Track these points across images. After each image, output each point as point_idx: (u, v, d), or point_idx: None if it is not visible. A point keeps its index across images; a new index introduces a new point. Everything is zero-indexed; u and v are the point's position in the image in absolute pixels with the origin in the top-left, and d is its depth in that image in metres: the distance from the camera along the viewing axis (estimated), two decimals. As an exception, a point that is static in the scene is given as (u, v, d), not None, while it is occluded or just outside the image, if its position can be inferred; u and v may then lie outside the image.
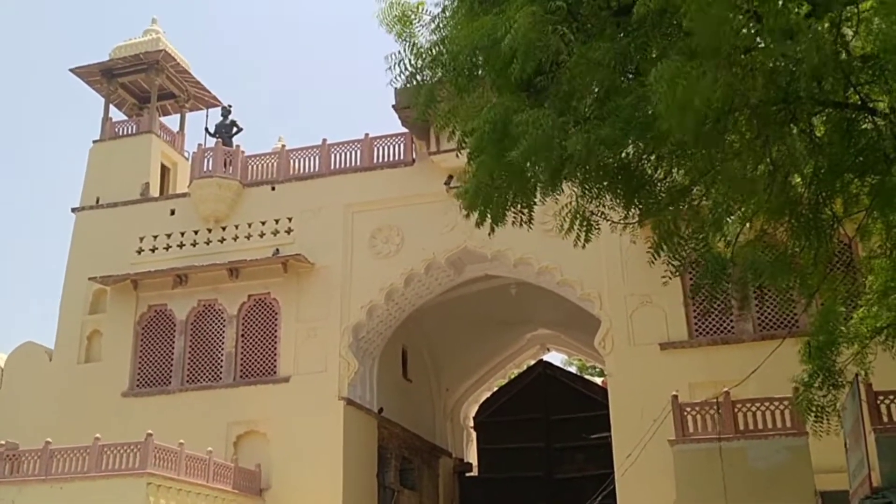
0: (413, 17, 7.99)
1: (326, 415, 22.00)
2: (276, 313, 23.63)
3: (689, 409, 16.70)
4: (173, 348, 23.92)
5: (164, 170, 27.45)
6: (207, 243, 24.62)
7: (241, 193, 24.81)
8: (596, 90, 7.14)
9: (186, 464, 19.06)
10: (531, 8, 6.68)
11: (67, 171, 59.16)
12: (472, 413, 33.13)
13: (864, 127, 7.52)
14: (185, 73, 28.06)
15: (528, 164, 7.20)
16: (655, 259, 8.47)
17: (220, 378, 23.37)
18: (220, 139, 25.75)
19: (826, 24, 6.75)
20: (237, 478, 20.85)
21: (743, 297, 9.76)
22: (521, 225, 8.22)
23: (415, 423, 27.48)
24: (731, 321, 20.42)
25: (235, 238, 24.50)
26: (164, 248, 24.89)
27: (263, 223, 24.37)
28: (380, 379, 24.55)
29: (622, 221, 8.58)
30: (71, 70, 27.32)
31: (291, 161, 25.23)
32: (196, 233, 24.82)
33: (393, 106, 21.98)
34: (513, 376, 33.53)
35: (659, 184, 8.17)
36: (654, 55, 6.77)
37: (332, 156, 24.87)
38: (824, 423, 11.00)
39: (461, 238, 22.09)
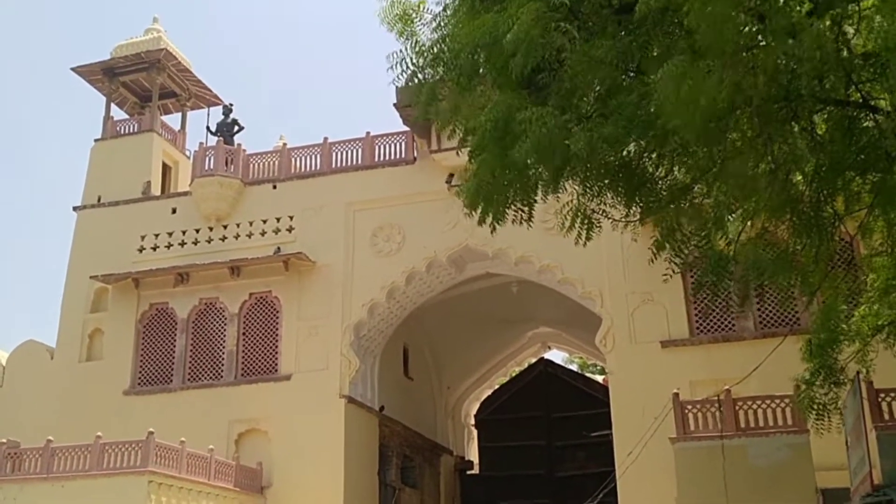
0: (414, 15, 8.00)
1: (328, 413, 22.02)
2: (277, 311, 23.65)
3: (690, 407, 16.71)
4: (175, 346, 23.95)
5: (166, 168, 27.47)
6: (209, 242, 24.64)
7: (243, 192, 24.83)
8: (598, 88, 7.15)
9: (188, 462, 19.07)
10: (534, 4, 6.68)
11: (69, 169, 59.25)
12: (474, 411, 33.15)
13: (865, 125, 7.52)
14: (186, 72, 28.07)
15: (531, 163, 7.20)
16: (657, 257, 8.47)
17: (222, 376, 23.40)
18: (221, 138, 25.76)
19: (827, 22, 6.76)
20: (238, 476, 20.87)
21: (744, 295, 9.75)
22: (521, 223, 8.23)
23: (416, 421, 27.50)
24: (733, 319, 20.42)
25: (237, 236, 24.52)
26: (166, 247, 24.91)
27: (265, 221, 24.39)
28: (381, 377, 24.57)
29: (623, 219, 8.59)
30: (72, 69, 27.34)
31: (293, 159, 25.24)
32: (197, 231, 24.84)
33: (394, 104, 21.99)
34: (514, 374, 33.53)
35: (660, 182, 8.18)
36: (655, 53, 6.77)
37: (334, 154, 24.88)
38: (825, 421, 11.01)
39: (462, 236, 22.11)
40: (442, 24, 7.84)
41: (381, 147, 24.55)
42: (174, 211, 25.31)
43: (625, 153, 7.67)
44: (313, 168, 24.96)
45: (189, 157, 27.52)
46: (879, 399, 13.16)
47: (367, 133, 24.70)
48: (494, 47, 7.06)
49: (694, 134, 6.56)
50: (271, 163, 25.31)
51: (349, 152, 24.80)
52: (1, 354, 25.30)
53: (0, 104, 59.73)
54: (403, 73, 7.91)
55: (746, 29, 6.43)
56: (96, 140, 27.16)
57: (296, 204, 24.27)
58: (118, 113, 28.33)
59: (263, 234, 24.28)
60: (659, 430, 17.11)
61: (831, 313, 10.39)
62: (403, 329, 25.82)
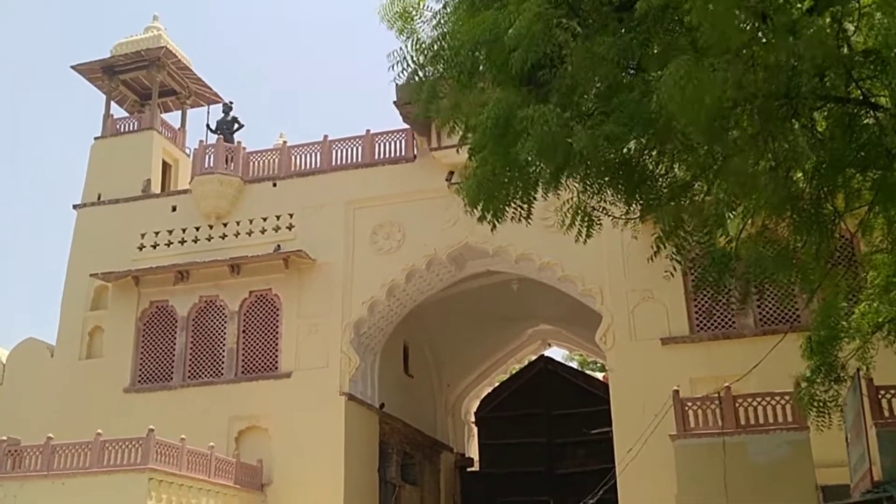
0: (414, 12, 7.99)
1: (328, 410, 22.04)
2: (277, 309, 23.66)
3: (690, 404, 16.73)
4: (175, 344, 23.96)
5: (166, 166, 27.47)
6: (209, 239, 24.65)
7: (243, 190, 24.83)
8: (598, 85, 7.15)
9: (188, 459, 19.09)
10: (536, 0, 6.68)
11: (69, 167, 59.13)
12: (474, 408, 33.18)
13: (865, 122, 7.52)
14: (186, 70, 28.06)
15: (531, 160, 7.19)
16: (658, 254, 8.47)
17: (222, 374, 23.41)
18: (221, 136, 25.76)
19: (828, 19, 6.76)
20: (239, 473, 20.89)
21: (745, 292, 9.76)
22: (521, 220, 8.23)
23: (416, 419, 27.52)
24: (733, 316, 20.42)
25: (237, 234, 24.53)
26: (166, 245, 24.91)
27: (265, 219, 24.39)
28: (381, 374, 24.59)
29: (623, 217, 8.58)
30: (72, 67, 27.33)
31: (293, 157, 25.24)
32: (197, 229, 24.84)
33: (394, 102, 22.00)
34: (514, 372, 33.57)
35: (660, 179, 8.17)
36: (655, 51, 6.77)
37: (334, 152, 24.89)
38: (826, 418, 11.02)
39: (462, 234, 22.12)
40: (442, 21, 7.83)
41: (381, 145, 24.55)
42: (174, 209, 25.31)
43: (625, 150, 7.67)
44: (313, 166, 24.96)
45: (189, 155, 27.53)
46: (879, 396, 13.18)
47: (367, 131, 24.70)
48: (495, 44, 7.06)
49: (699, 132, 6.56)
50: (271, 161, 25.32)
51: (349, 150, 24.80)
52: (1, 352, 25.30)
53: (0, 102, 59.74)
54: (404, 71, 7.91)
55: (748, 27, 6.42)
56: (96, 138, 27.15)
57: (296, 202, 24.27)
58: (118, 111, 28.37)
59: (263, 231, 24.28)
60: (659, 428, 17.13)
61: (831, 310, 10.40)
62: (403, 327, 25.84)
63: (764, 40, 6.55)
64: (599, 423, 22.82)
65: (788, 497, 15.09)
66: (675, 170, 8.13)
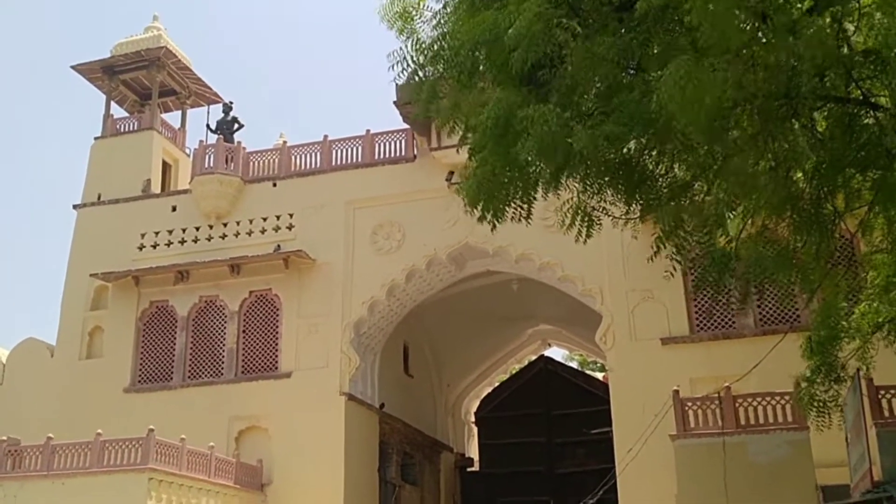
0: (414, 13, 7.99)
1: (328, 410, 22.04)
2: (277, 309, 23.66)
3: (690, 404, 16.73)
4: (175, 344, 23.96)
5: (166, 166, 27.48)
6: (209, 239, 24.65)
7: (243, 190, 24.83)
8: (598, 85, 7.14)
9: (188, 459, 19.09)
10: (536, 0, 6.68)
11: (69, 167, 59.17)
12: (474, 408, 33.18)
13: (865, 122, 7.52)
14: (186, 70, 28.06)
15: (532, 160, 7.19)
16: (659, 253, 8.46)
17: (222, 374, 23.41)
18: (221, 136, 25.76)
19: (828, 19, 6.76)
20: (239, 473, 20.89)
21: (745, 292, 9.75)
22: (520, 220, 8.22)
23: (416, 419, 27.52)
24: (733, 316, 20.42)
25: (237, 234, 24.53)
26: (166, 245, 24.91)
27: (265, 219, 24.39)
28: (381, 374, 24.59)
29: (623, 217, 8.58)
30: (72, 67, 27.32)
31: (293, 157, 25.24)
32: (197, 229, 24.84)
33: (394, 102, 22.01)
34: (514, 372, 33.57)
35: (660, 179, 8.17)
36: (655, 51, 6.77)
37: (334, 152, 24.89)
38: (826, 418, 11.02)
39: (462, 234, 22.12)
40: (442, 21, 7.83)
41: (381, 145, 24.55)
42: (174, 209, 25.31)
43: (625, 150, 7.67)
44: (313, 166, 24.95)
45: (189, 155, 27.53)
46: (879, 396, 13.18)
47: (367, 131, 24.70)
48: (495, 44, 7.06)
49: (699, 132, 6.56)
50: (271, 161, 25.32)
51: (349, 150, 24.80)
52: (1, 352, 25.30)
53: (0, 102, 59.74)
54: (404, 71, 7.90)
55: (748, 26, 6.42)
56: (96, 138, 27.15)
57: (296, 202, 24.27)
58: (118, 111, 28.37)
59: (263, 231, 24.28)
60: (659, 428, 17.13)
61: (831, 311, 10.40)
62: (403, 327, 25.84)
63: (764, 40, 6.55)
64: (599, 423, 22.82)
65: (788, 497, 15.08)
66: (675, 170, 8.13)
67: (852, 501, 13.88)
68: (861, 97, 7.37)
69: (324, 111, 65.67)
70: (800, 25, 6.30)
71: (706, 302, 20.10)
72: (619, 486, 19.58)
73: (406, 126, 23.52)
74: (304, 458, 21.63)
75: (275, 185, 24.78)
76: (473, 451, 32.77)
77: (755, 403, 16.24)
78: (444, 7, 7.86)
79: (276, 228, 24.20)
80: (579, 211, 8.30)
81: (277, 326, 23.49)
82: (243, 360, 23.48)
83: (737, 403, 16.28)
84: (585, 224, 8.38)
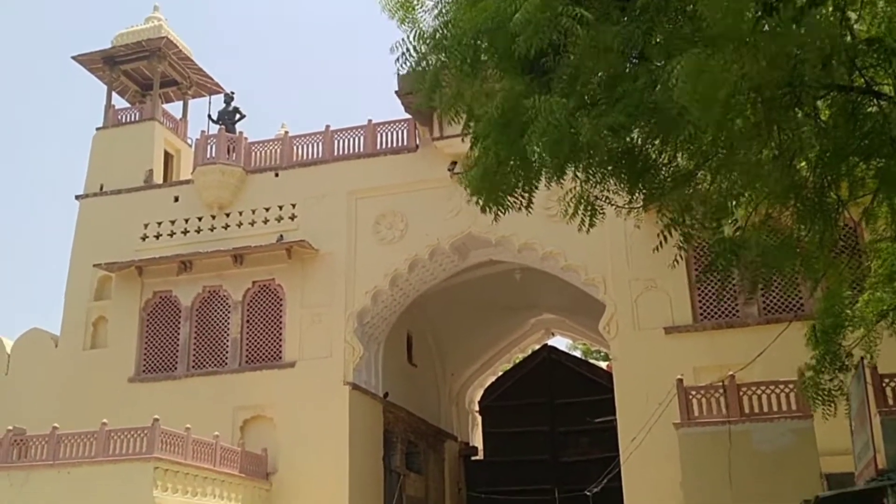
0: (415, 1, 7.94)
1: (332, 399, 22.09)
2: (280, 299, 23.68)
3: (694, 393, 16.72)
4: (179, 334, 24.00)
5: (168, 157, 27.46)
6: (211, 230, 24.66)
7: (245, 180, 24.81)
8: (601, 74, 7.11)
9: (193, 448, 19.13)
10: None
11: (71, 158, 59.21)
12: (478, 397, 33.24)
13: (869, 110, 7.50)
14: (187, 60, 28.00)
15: (538, 151, 7.15)
16: (665, 242, 8.44)
17: (226, 363, 23.46)
18: (223, 126, 25.75)
19: (831, 8, 6.72)
20: (244, 462, 20.96)
21: (753, 281, 9.71)
22: (520, 209, 8.20)
23: (420, 408, 27.57)
24: (737, 305, 20.40)
25: (239, 224, 24.52)
26: (169, 235, 24.93)
27: (267, 209, 24.39)
28: (385, 364, 24.63)
29: (626, 206, 8.56)
30: (73, 58, 27.28)
31: (295, 147, 25.21)
32: (200, 219, 24.85)
33: (396, 92, 21.94)
34: (517, 361, 33.61)
35: (663, 168, 8.15)
36: (659, 40, 6.74)
37: (336, 142, 24.85)
38: (830, 407, 11.02)
39: (465, 223, 22.10)
40: (444, 10, 7.78)
41: (384, 135, 24.51)
42: (176, 199, 25.32)
43: (628, 140, 7.64)
44: (315, 156, 24.92)
45: (191, 146, 27.48)
46: (883, 384, 13.17)
47: (369, 121, 24.66)
48: (497, 32, 7.01)
49: (712, 125, 6.53)
50: (273, 151, 25.28)
51: (351, 140, 24.77)
52: (6, 343, 25.36)
53: (1, 93, 59.71)
54: (406, 61, 7.87)
55: (752, 16, 6.38)
56: (98, 128, 27.13)
57: (298, 192, 24.26)
58: (119, 101, 28.32)
59: (266, 221, 24.28)
60: (663, 416, 17.15)
61: (835, 299, 10.39)
62: (407, 316, 25.86)
63: (767, 29, 6.52)
64: (603, 411, 22.87)
65: (793, 485, 15.07)
66: (679, 159, 8.10)
67: (856, 489, 13.89)
68: (864, 86, 7.34)
69: (326, 101, 65.62)
70: (803, 14, 6.26)
71: (710, 291, 20.09)
72: (623, 474, 19.61)
73: (408, 116, 23.47)
74: (308, 448, 21.69)
75: (277, 175, 24.75)
76: (477, 440, 32.86)
77: (759, 392, 16.23)
78: (446, -5, 7.81)
79: (279, 218, 24.20)
80: (582, 200, 8.28)
81: (281, 316, 23.52)
82: (247, 350, 23.52)
83: (741, 392, 16.27)
84: (588, 213, 8.35)
